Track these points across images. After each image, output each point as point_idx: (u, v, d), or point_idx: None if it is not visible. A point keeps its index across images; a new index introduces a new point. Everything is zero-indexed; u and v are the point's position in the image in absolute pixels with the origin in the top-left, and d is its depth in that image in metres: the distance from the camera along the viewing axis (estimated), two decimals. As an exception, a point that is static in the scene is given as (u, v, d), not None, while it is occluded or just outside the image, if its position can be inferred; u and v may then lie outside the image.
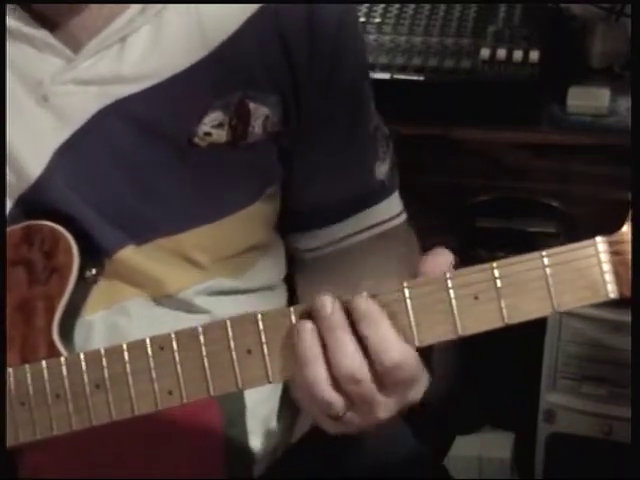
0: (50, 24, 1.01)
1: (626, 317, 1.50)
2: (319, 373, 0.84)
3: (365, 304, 0.84)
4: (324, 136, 1.12)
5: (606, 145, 1.53)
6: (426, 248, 1.22)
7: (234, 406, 1.11)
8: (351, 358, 0.84)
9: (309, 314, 0.85)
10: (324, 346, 0.84)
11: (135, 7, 1.02)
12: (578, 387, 1.66)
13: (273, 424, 1.17)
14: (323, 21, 1.07)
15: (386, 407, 0.87)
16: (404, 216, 1.22)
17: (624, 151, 1.40)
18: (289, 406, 1.20)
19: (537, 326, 1.62)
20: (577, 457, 1.69)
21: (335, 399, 0.85)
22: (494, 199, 1.59)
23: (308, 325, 0.85)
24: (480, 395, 1.80)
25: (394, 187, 1.20)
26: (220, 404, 1.07)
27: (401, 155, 1.22)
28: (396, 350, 0.84)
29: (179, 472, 1.08)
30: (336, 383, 0.85)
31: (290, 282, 1.24)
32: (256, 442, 1.14)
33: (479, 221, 1.61)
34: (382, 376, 0.85)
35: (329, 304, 0.84)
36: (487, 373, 1.73)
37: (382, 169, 1.18)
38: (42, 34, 1.01)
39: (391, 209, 1.20)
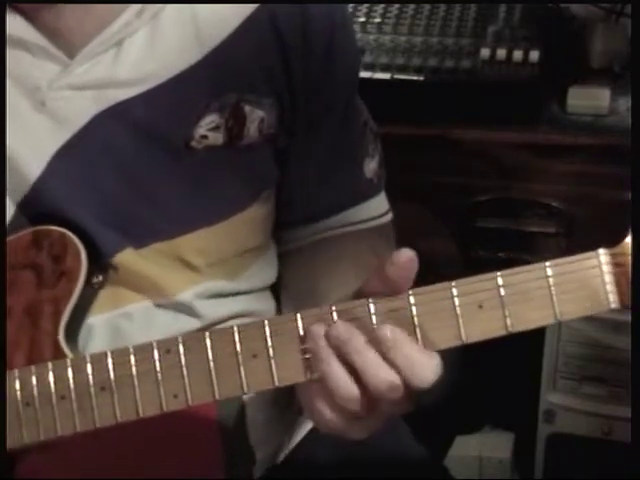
0: (46, 30, 1.00)
1: (626, 317, 1.50)
2: (337, 370, 0.84)
3: (391, 333, 0.83)
4: (317, 136, 1.12)
5: (606, 145, 1.53)
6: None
7: (230, 409, 1.11)
8: (385, 373, 0.83)
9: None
10: (346, 364, 0.84)
11: (131, 11, 1.01)
12: (578, 387, 1.66)
13: (273, 427, 1.17)
14: (317, 21, 1.06)
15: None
16: (389, 216, 1.22)
17: (624, 151, 1.40)
18: (289, 409, 1.20)
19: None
20: (577, 457, 1.69)
21: (358, 393, 0.84)
22: (494, 199, 1.60)
23: (321, 329, 0.84)
24: (480, 395, 1.80)
25: (381, 186, 1.21)
26: (216, 405, 1.07)
27: (401, 155, 1.22)
28: (430, 371, 0.83)
29: (178, 473, 1.08)
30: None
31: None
32: (256, 444, 1.14)
33: (479, 221, 1.61)
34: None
35: (343, 330, 0.84)
36: (487, 373, 1.73)
37: (371, 166, 1.18)
38: (38, 40, 1.00)
39: (377, 208, 1.20)
